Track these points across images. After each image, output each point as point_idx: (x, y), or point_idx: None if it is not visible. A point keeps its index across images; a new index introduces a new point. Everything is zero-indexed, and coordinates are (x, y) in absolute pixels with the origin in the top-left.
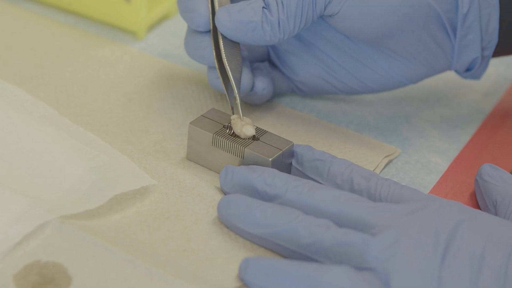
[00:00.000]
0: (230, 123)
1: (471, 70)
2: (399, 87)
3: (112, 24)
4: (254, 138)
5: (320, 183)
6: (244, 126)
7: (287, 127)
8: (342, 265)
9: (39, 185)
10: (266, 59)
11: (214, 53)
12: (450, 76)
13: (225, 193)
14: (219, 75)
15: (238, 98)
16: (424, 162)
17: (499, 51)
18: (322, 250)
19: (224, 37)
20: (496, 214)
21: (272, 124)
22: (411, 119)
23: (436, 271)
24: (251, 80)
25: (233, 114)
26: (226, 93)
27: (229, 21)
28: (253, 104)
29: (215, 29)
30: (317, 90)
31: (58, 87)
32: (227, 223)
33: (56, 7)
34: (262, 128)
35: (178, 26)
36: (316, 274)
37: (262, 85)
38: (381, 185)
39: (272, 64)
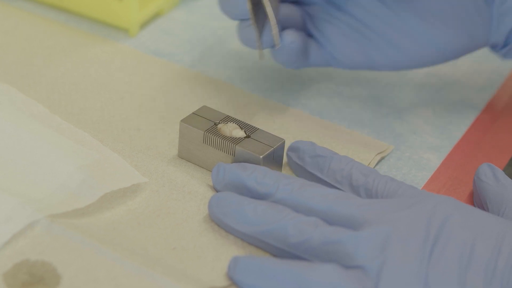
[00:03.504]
0: (221, 121)
1: (508, 46)
2: (441, 60)
3: (104, 21)
4: (245, 135)
5: (320, 178)
6: (234, 131)
7: (279, 124)
8: (331, 263)
9: (29, 183)
10: (301, 28)
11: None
12: (443, 72)
13: (217, 190)
14: (253, 23)
15: (276, 26)
16: (416, 158)
17: None
18: (311, 249)
19: None
20: None
21: (264, 121)
22: (404, 115)
23: (424, 267)
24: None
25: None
26: (258, 42)
27: None
28: (281, 64)
29: None
30: (356, 62)
31: (50, 85)
32: (217, 221)
33: (47, 5)
34: (254, 125)
35: (171, 24)
36: (304, 272)
37: (291, 38)
38: (378, 181)
39: (309, 35)
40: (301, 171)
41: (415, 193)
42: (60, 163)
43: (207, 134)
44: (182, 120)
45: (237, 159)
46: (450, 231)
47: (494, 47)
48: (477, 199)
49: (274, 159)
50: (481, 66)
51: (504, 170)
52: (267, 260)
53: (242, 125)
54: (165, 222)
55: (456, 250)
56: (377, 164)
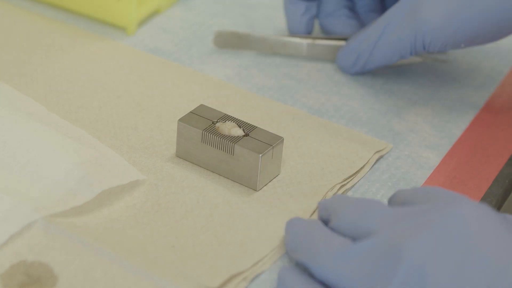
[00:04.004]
0: (219, 119)
1: None
2: None
3: (102, 20)
4: (244, 134)
5: None
6: (232, 129)
7: (278, 123)
8: None
9: (27, 181)
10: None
11: None
12: (443, 70)
13: None
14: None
15: None
16: (415, 157)
17: None
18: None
19: None
20: None
21: (262, 119)
22: (402, 114)
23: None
24: None
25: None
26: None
27: None
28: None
29: None
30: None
31: (47, 84)
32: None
33: (45, 3)
34: (252, 123)
35: (169, 21)
36: None
37: None
38: (422, 191)
39: None
40: None
41: (449, 196)
42: (58, 160)
43: (205, 133)
44: (180, 119)
45: (236, 158)
46: (447, 245)
47: None
48: None
49: (273, 158)
50: (480, 64)
51: (503, 169)
52: (297, 281)
53: (240, 123)
54: (164, 218)
55: (449, 273)
56: (375, 162)
